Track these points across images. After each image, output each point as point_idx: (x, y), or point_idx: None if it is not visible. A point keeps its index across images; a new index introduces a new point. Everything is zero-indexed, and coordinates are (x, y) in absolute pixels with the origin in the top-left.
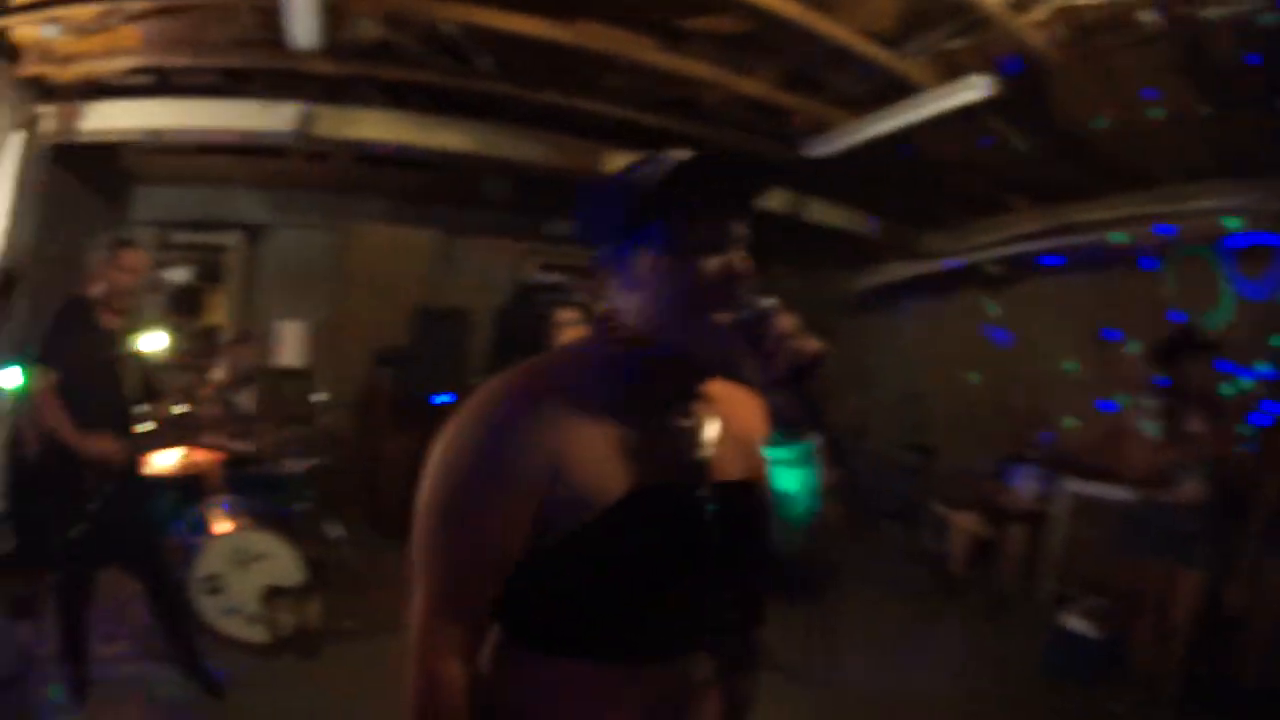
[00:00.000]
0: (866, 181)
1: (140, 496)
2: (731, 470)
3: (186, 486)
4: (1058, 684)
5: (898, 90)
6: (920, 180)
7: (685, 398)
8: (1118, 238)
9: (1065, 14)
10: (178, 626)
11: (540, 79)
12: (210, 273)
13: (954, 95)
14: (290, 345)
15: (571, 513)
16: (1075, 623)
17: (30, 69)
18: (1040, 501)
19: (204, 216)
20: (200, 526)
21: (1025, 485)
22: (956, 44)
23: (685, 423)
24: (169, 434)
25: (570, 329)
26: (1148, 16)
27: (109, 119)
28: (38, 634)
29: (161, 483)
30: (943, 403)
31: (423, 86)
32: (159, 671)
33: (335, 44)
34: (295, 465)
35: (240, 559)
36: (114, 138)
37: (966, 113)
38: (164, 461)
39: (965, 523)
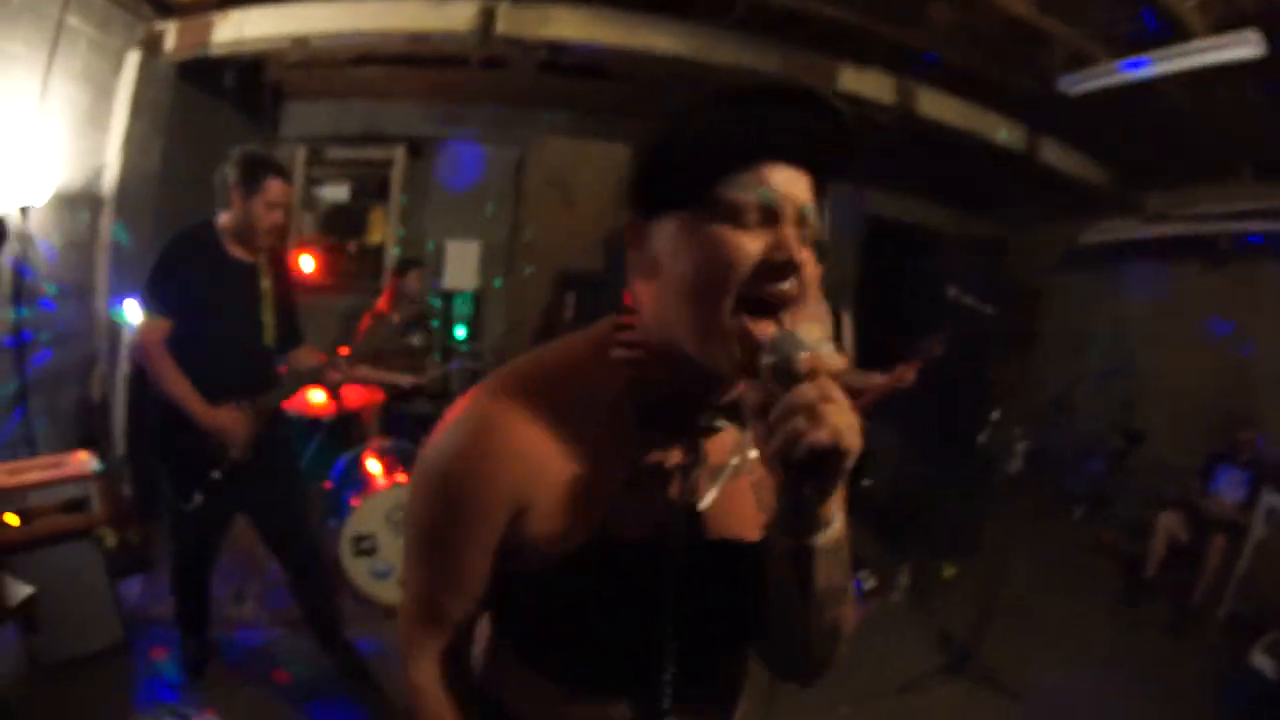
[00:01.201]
0: (1106, 127)
1: (277, 454)
2: (736, 526)
3: (341, 429)
4: None
5: (1167, 32)
6: (1158, 133)
7: (692, 426)
8: None
9: None
10: (318, 600)
11: None
12: (372, 189)
13: (1224, 49)
14: (461, 267)
15: (526, 554)
16: (1261, 660)
17: None
18: (1242, 511)
19: (364, 131)
20: (353, 476)
21: (1229, 491)
22: None
23: (683, 460)
24: (318, 374)
25: None
26: None
27: (246, 28)
28: (150, 592)
29: (310, 427)
30: (1154, 384)
31: None
32: (293, 643)
33: None
34: None
35: (395, 517)
36: (253, 48)
37: (1225, 70)
38: (313, 401)
39: (1168, 523)
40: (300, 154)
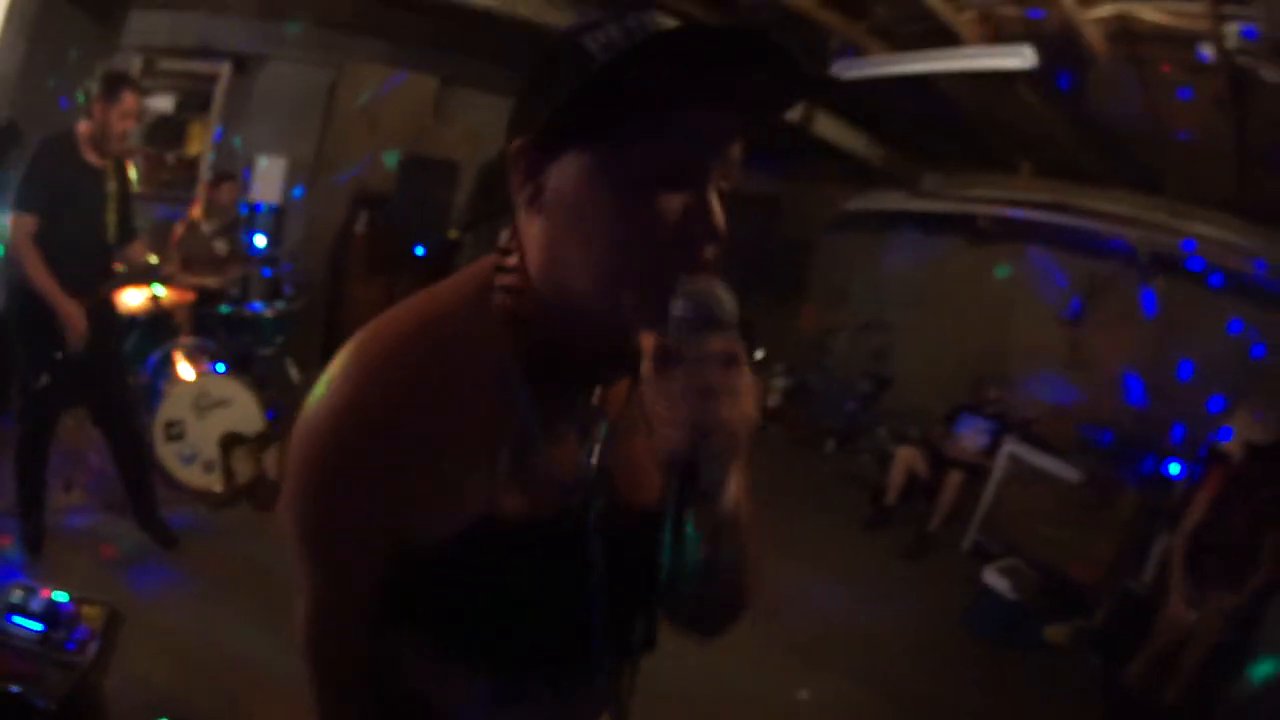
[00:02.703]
0: (881, 110)
1: (109, 341)
2: (641, 493)
3: (154, 326)
4: (977, 638)
5: (940, 37)
6: (934, 122)
7: (590, 388)
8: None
9: (1125, 19)
10: (137, 474)
11: None
12: (195, 102)
13: (998, 57)
14: (269, 181)
15: (417, 534)
16: (995, 579)
17: None
18: (982, 455)
19: (195, 44)
20: (164, 370)
21: (971, 437)
22: (1011, 10)
23: (580, 427)
24: (141, 273)
25: None
26: (1208, 51)
27: None
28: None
29: (129, 322)
30: (907, 338)
31: None
32: (114, 523)
33: None
34: (265, 308)
35: (202, 404)
36: None
37: (1002, 75)
38: (133, 299)
39: (906, 457)
40: (136, 64)
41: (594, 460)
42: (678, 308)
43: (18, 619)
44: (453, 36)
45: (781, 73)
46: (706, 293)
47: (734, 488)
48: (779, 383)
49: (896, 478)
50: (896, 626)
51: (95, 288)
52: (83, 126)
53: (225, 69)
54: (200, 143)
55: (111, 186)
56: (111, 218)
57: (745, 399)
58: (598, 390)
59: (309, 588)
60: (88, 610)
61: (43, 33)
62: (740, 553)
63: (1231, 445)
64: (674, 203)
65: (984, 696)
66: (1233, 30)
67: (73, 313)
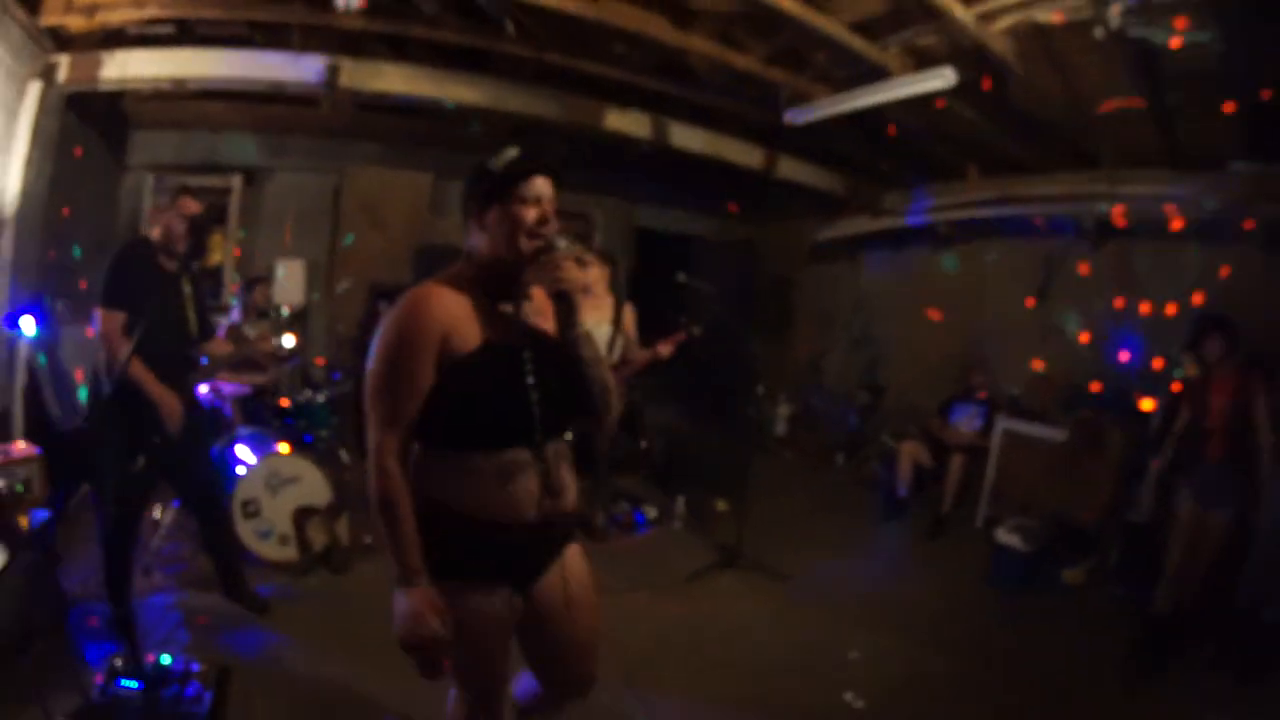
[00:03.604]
0: (836, 145)
1: (197, 429)
2: (545, 334)
3: (214, 418)
4: (997, 591)
5: (873, 74)
6: (885, 147)
7: (515, 294)
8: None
9: (1026, 25)
10: (226, 551)
11: (553, 43)
12: (211, 215)
13: (923, 82)
14: (290, 283)
15: (450, 359)
16: (1006, 537)
17: (51, 19)
18: (979, 436)
19: (205, 160)
20: (230, 456)
21: (966, 422)
22: (928, 40)
23: (515, 308)
24: (241, 357)
25: None
26: (1100, 34)
27: (130, 68)
28: (66, 578)
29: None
30: (894, 347)
31: (432, 43)
32: (200, 598)
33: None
34: (314, 396)
35: (273, 483)
36: (137, 86)
37: (933, 95)
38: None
39: (910, 450)
40: (148, 181)
41: (520, 322)
42: (552, 239)
43: (125, 682)
44: (438, 134)
45: (556, 169)
46: (554, 240)
47: (583, 322)
48: (783, 411)
49: (904, 470)
50: (927, 590)
51: (183, 379)
52: (155, 233)
53: (237, 182)
54: (221, 252)
55: (187, 288)
56: (191, 316)
57: (571, 267)
58: (520, 297)
59: (377, 427)
60: (197, 670)
61: (63, 151)
62: (596, 375)
63: (1189, 367)
64: (530, 213)
65: (1014, 637)
66: (1115, 9)
67: (170, 400)
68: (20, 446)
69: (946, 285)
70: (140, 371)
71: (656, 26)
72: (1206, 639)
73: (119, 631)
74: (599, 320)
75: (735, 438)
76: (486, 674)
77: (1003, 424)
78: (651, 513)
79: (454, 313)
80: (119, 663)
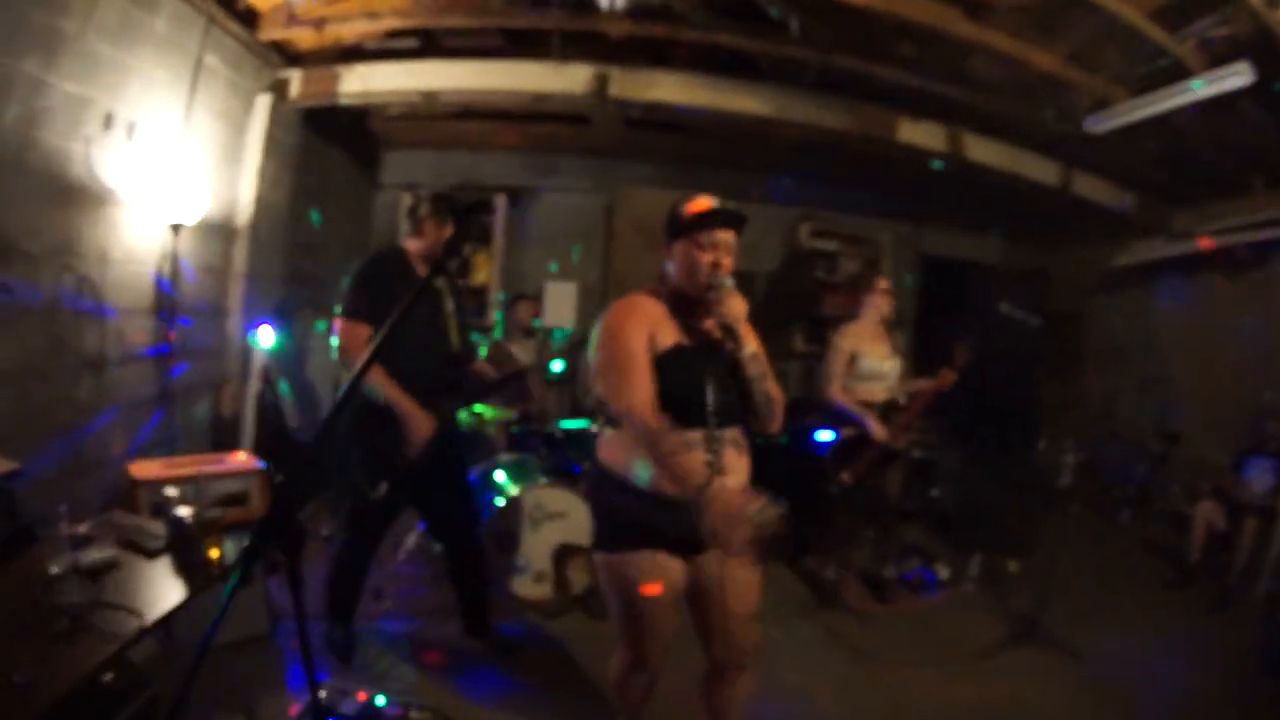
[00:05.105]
0: (1127, 158)
1: (455, 454)
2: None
3: (474, 442)
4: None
5: (1169, 73)
6: (1174, 158)
7: (698, 311)
8: None
9: None
10: (475, 586)
11: (836, 45)
12: (475, 235)
13: (1222, 80)
14: (560, 306)
15: (654, 353)
16: None
17: (272, 33)
18: (1272, 496)
19: (464, 180)
20: (487, 484)
21: (1259, 479)
22: (1220, 31)
23: (694, 320)
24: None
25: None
26: None
27: (370, 82)
28: (282, 591)
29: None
30: (1188, 389)
31: (703, 49)
32: (433, 630)
33: (633, 5)
34: (592, 424)
35: (536, 516)
36: (380, 100)
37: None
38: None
39: (1206, 512)
40: (406, 200)
41: (702, 332)
42: (713, 285)
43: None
44: (714, 153)
45: (737, 220)
46: (721, 281)
47: (751, 343)
48: (1070, 459)
49: (1197, 534)
50: (1207, 677)
51: (443, 400)
52: (412, 244)
53: (501, 201)
54: (485, 271)
55: (450, 304)
56: (454, 335)
57: (735, 302)
58: (698, 312)
59: (620, 397)
60: (415, 715)
61: (306, 168)
62: (760, 390)
63: None
64: (706, 257)
65: None
66: None
67: (419, 417)
68: (239, 457)
69: (1242, 317)
70: (386, 385)
71: (950, 19)
72: None
73: (334, 656)
74: (883, 355)
75: (1022, 487)
76: (648, 637)
77: None
78: (944, 572)
79: (655, 316)
80: (324, 694)
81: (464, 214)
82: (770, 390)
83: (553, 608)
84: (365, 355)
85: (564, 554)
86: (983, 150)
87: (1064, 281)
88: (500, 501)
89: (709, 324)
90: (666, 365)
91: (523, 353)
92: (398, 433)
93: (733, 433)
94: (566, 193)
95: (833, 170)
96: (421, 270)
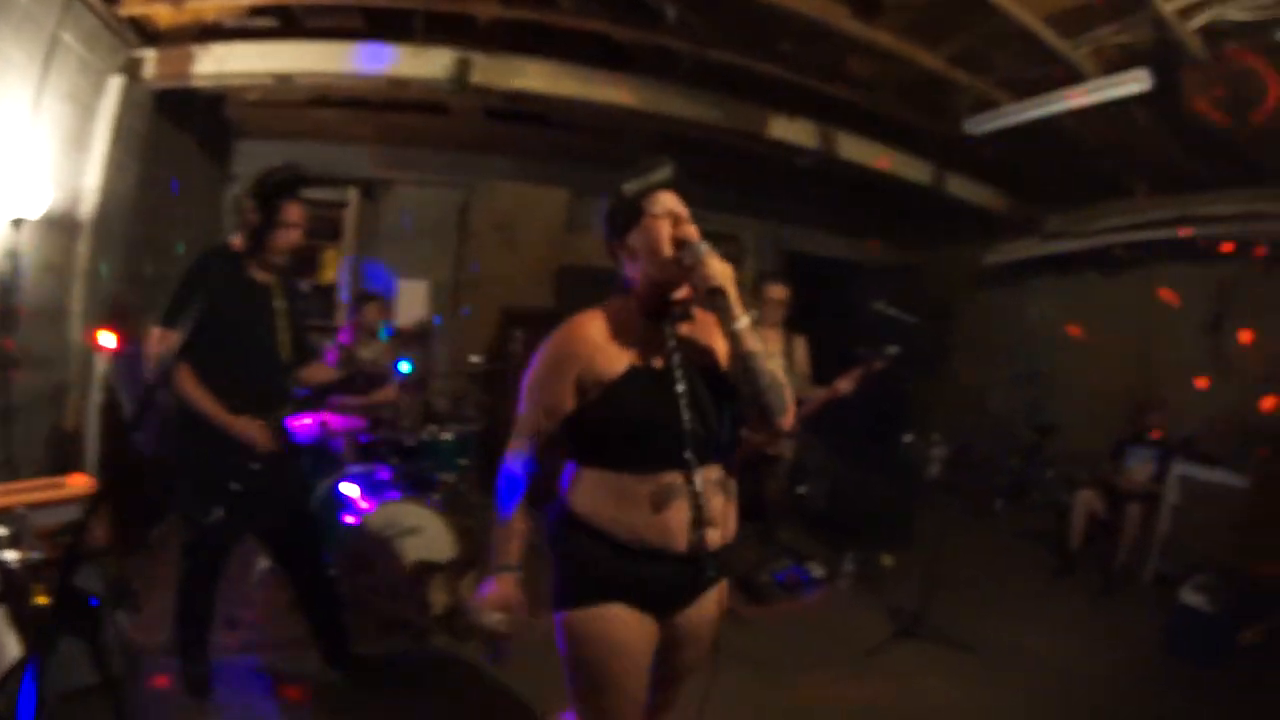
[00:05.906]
0: (1005, 160)
1: (290, 470)
2: (698, 358)
3: (318, 455)
4: (1181, 660)
5: (1061, 78)
6: (1053, 161)
7: (673, 313)
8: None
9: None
10: (327, 611)
11: (714, 38)
12: (324, 230)
13: (1116, 86)
14: (411, 304)
15: (596, 382)
16: (1192, 597)
17: (132, 8)
18: (1154, 483)
19: (317, 172)
20: (334, 500)
21: (1140, 467)
22: (1121, 38)
23: (659, 335)
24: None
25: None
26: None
27: (228, 62)
28: (141, 628)
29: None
30: (1061, 383)
31: (573, 37)
32: (291, 663)
33: None
34: (442, 431)
35: (389, 533)
36: (233, 83)
37: (1115, 102)
38: (301, 428)
39: (1086, 499)
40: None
41: (672, 343)
42: (684, 257)
43: None
44: (575, 147)
45: (674, 183)
46: (693, 247)
47: (745, 316)
48: (938, 452)
49: (1078, 522)
50: (1113, 662)
51: (272, 411)
52: (238, 240)
53: (353, 195)
54: (333, 270)
55: (280, 304)
56: (284, 336)
57: (716, 262)
58: (671, 320)
59: (521, 424)
60: None
61: (156, 157)
62: (765, 370)
63: None
64: (664, 225)
65: (1200, 709)
66: None
67: (248, 427)
68: (77, 480)
69: (1116, 315)
70: (202, 400)
71: (837, 15)
72: None
73: (192, 693)
74: (767, 355)
75: (891, 480)
76: (611, 701)
77: (1179, 469)
78: (817, 571)
79: (599, 338)
80: None
81: (277, 192)
82: (775, 371)
83: (415, 631)
84: (180, 365)
85: (422, 571)
86: (856, 149)
87: (935, 279)
88: (349, 519)
89: (684, 293)
90: (617, 395)
91: (371, 354)
92: (225, 452)
93: (715, 472)
94: (422, 187)
95: (697, 166)
96: (253, 269)
